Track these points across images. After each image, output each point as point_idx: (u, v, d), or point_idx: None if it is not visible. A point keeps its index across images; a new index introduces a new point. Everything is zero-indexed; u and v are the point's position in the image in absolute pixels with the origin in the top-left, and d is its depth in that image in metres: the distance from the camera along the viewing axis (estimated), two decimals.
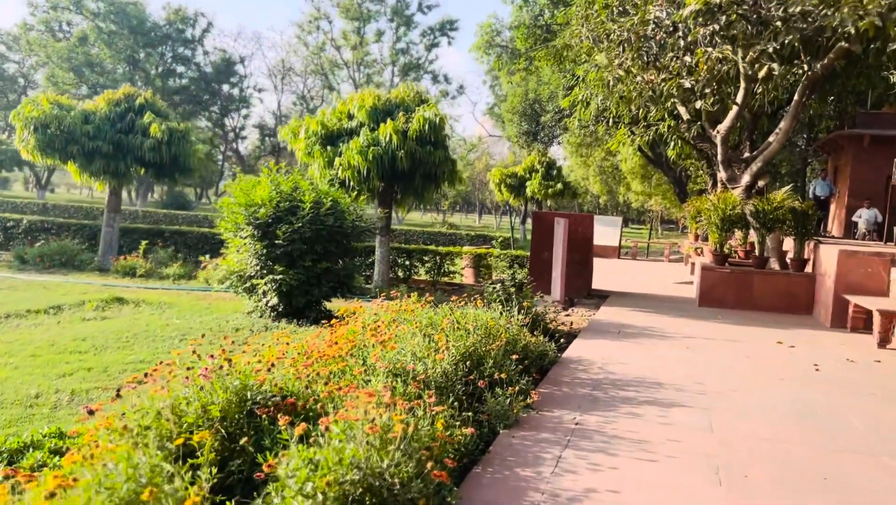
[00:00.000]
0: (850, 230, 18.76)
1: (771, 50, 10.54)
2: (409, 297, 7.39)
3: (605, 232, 25.18)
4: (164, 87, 43.75)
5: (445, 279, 14.92)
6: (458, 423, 4.15)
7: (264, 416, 3.64)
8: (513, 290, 9.08)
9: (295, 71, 53.65)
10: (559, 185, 26.29)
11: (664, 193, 43.78)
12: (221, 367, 3.86)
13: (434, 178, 12.58)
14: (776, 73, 11.49)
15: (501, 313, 7.29)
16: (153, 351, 8.09)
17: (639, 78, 12.50)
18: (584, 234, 13.71)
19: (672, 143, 14.63)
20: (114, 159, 15.97)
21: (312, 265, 9.75)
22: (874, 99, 16.21)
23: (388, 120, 11.61)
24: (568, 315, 11.70)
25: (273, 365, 4.30)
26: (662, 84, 12.91)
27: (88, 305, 11.00)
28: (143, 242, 16.24)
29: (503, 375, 5.34)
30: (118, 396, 3.63)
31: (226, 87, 52.50)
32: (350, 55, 44.13)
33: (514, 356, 5.87)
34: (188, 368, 3.94)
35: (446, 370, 4.96)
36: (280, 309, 9.99)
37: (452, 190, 13.71)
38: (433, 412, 3.79)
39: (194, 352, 4.25)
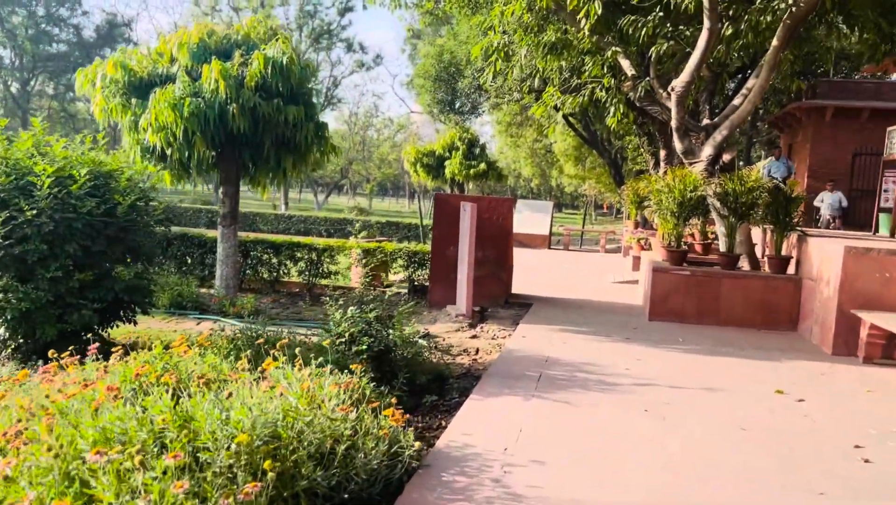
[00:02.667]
0: (811, 216, 16.19)
1: None
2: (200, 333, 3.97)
3: (534, 219, 22.16)
4: (35, 52, 38.13)
5: (325, 281, 11.46)
6: None
7: None
8: (374, 321, 5.73)
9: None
10: (482, 166, 23.01)
11: (598, 177, 41.36)
12: None
13: (294, 146, 9.05)
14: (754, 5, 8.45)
15: (343, 369, 3.91)
16: None
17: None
18: (500, 223, 10.47)
19: (612, 109, 11.52)
20: None
21: (64, 276, 6.13)
22: (855, 61, 13.55)
23: (215, 61, 8.00)
24: (475, 336, 8.45)
25: None
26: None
27: None
28: None
29: None
30: None
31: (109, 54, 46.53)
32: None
33: None
34: None
35: None
36: (17, 344, 6.35)
37: (326, 162, 10.07)
38: None
39: None
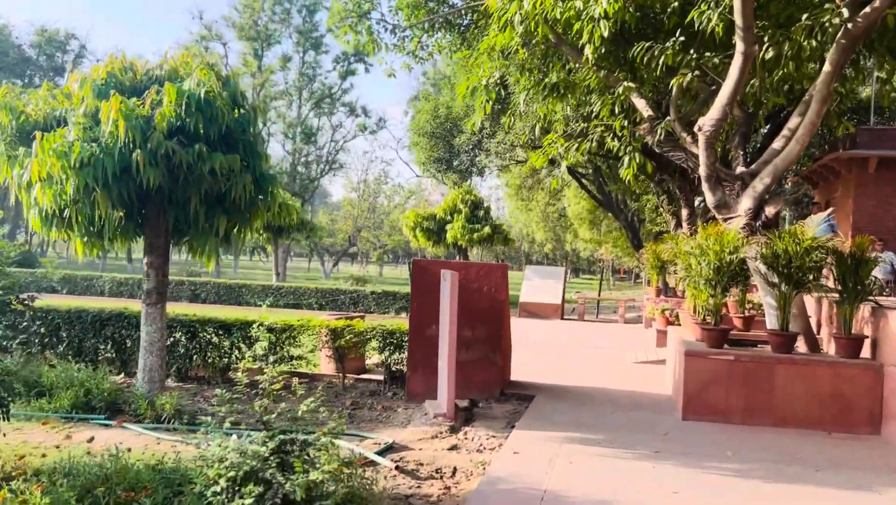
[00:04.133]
0: None
1: None
2: None
3: (545, 287, 20.18)
4: None
5: (287, 367, 9.50)
6: None
7: None
8: (273, 453, 3.79)
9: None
10: (487, 229, 21.14)
11: (615, 241, 39.48)
12: None
13: (232, 204, 7.27)
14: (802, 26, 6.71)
15: None
16: None
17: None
18: (493, 295, 8.54)
19: (626, 159, 9.72)
20: None
21: None
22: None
23: (114, 96, 6.29)
24: (454, 447, 6.43)
25: None
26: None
27: None
28: None
29: None
30: None
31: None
32: (251, 84, 38.60)
33: None
34: None
35: None
36: None
37: (285, 224, 8.19)
38: None
39: None
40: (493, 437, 6.68)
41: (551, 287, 20.05)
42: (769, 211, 8.22)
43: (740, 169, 9.13)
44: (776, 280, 7.27)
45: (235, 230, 7.82)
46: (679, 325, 11.88)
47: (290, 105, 39.91)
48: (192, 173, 6.72)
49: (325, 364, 9.96)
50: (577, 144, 9.46)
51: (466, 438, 6.72)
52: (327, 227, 64.89)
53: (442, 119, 19.84)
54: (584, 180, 29.26)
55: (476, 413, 7.72)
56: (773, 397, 6.94)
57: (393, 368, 9.20)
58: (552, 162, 12.38)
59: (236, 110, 7.50)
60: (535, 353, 12.20)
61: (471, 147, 18.33)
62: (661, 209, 18.60)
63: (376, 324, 9.22)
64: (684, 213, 17.72)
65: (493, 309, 8.51)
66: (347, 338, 9.13)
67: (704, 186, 8.46)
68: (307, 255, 68.27)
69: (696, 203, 18.27)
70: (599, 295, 29.48)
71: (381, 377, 9.41)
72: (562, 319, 19.92)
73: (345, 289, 21.02)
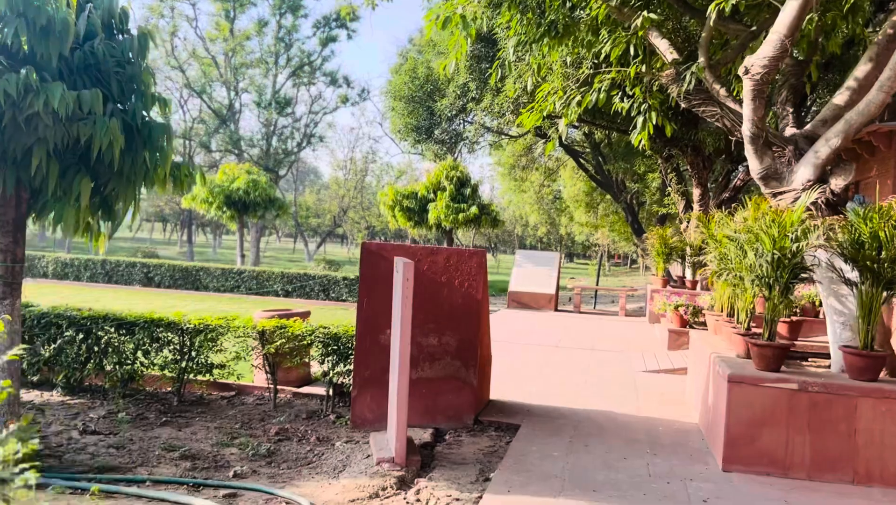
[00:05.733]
0: None
1: None
2: None
3: (538, 275, 18.11)
4: None
5: (205, 378, 7.44)
6: None
7: None
8: None
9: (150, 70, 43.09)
10: (474, 210, 18.89)
11: (612, 225, 37.51)
12: None
13: (100, 162, 5.17)
14: None
15: None
16: None
17: None
18: (465, 290, 6.46)
19: (640, 120, 7.64)
20: None
21: None
22: None
23: None
24: None
25: None
26: None
27: None
28: None
29: None
30: None
31: None
32: (222, 50, 35.80)
33: None
34: None
35: None
36: None
37: (172, 191, 5.97)
38: None
39: None
40: (457, 498, 4.65)
41: (544, 275, 17.98)
42: (836, 184, 6.16)
43: (791, 130, 7.06)
44: (856, 277, 5.22)
45: (117, 198, 5.70)
46: (701, 326, 9.86)
47: (267, 74, 37.27)
48: (22, 113, 4.59)
49: (258, 374, 7.89)
50: (579, 96, 7.32)
51: (418, 500, 4.69)
52: (314, 208, 62.67)
53: (421, 80, 17.53)
54: (581, 160, 27.16)
55: (439, 453, 5.68)
56: (853, 444, 4.92)
57: (340, 384, 7.15)
58: (548, 119, 10.24)
59: (119, 35, 5.41)
60: (523, 356, 10.17)
61: (454, 113, 16.14)
62: (670, 188, 16.53)
63: (317, 325, 7.14)
64: (696, 193, 15.68)
65: (466, 310, 6.44)
66: (279, 343, 7.06)
67: (749, 150, 6.38)
68: (293, 236, 66.02)
69: (710, 182, 16.23)
70: (598, 284, 27.45)
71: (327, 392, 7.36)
72: (555, 310, 17.89)
73: (314, 274, 18.85)
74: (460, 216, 18.64)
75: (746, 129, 6.30)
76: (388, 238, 68.84)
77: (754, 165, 6.36)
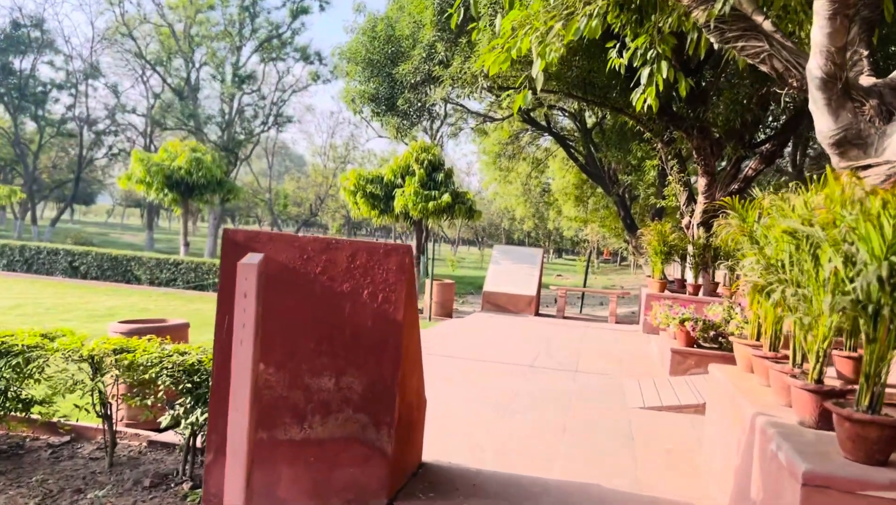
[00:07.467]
0: None
1: None
2: None
3: (517, 273, 15.91)
4: None
5: (21, 415, 5.20)
6: None
7: None
8: None
9: (101, 40, 39.69)
10: (446, 197, 16.52)
11: (602, 220, 35.38)
12: None
13: None
14: None
15: None
16: None
17: None
18: (378, 307, 4.22)
19: (647, 71, 5.49)
20: None
21: None
22: None
23: None
24: None
25: None
26: None
27: None
28: None
29: None
30: None
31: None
32: (182, 20, 32.88)
33: None
34: None
35: None
36: None
37: None
38: None
39: None
40: None
41: (525, 274, 15.78)
42: None
43: (868, 79, 4.86)
44: None
45: None
46: (711, 345, 7.69)
47: (232, 49, 34.48)
48: None
49: (123, 413, 5.62)
50: (559, 23, 5.08)
51: None
52: (293, 196, 60.22)
53: (382, 41, 15.05)
54: (572, 150, 24.97)
55: None
56: None
57: (202, 436, 4.91)
58: (521, 63, 8.06)
59: None
60: (485, 383, 7.94)
61: (419, 80, 13.76)
62: (671, 178, 14.35)
63: (172, 349, 4.89)
64: (701, 182, 13.50)
65: (380, 336, 4.21)
66: (119, 373, 4.82)
67: (818, 102, 4.19)
68: (276, 226, 63.53)
69: (718, 169, 14.08)
70: (586, 283, 25.30)
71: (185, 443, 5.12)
72: (536, 314, 15.71)
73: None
74: (430, 205, 16.33)
75: (816, 68, 4.11)
76: (367, 228, 66.64)
77: (825, 125, 4.17)
